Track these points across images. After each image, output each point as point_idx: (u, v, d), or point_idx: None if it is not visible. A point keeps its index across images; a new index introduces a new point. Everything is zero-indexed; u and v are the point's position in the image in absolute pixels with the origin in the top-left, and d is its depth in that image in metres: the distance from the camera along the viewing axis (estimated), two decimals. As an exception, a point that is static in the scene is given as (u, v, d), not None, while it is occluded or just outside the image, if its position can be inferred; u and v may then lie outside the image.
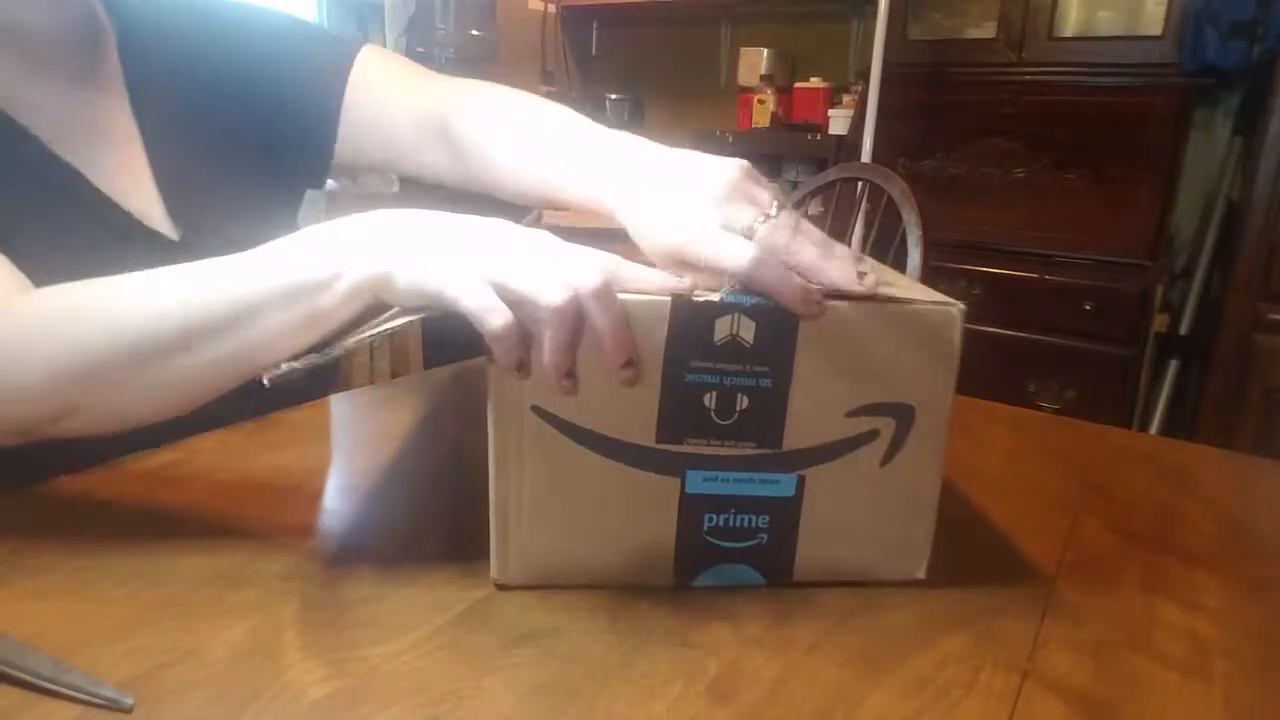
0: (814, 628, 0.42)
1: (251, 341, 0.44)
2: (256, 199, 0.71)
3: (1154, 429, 2.13)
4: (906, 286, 0.45)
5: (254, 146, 0.71)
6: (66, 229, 0.59)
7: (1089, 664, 0.40)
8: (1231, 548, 0.55)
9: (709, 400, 0.41)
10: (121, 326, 0.45)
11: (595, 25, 3.34)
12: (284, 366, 0.41)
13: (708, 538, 0.44)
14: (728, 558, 0.44)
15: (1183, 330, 2.15)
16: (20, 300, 0.48)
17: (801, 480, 0.43)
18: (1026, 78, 2.21)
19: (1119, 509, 0.59)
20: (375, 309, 0.44)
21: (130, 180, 0.64)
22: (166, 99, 0.68)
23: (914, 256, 1.43)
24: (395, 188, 2.32)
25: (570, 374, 0.40)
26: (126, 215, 0.62)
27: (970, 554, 0.50)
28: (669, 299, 0.39)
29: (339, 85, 0.69)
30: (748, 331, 0.40)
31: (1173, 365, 2.17)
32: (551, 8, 3.17)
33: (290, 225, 0.77)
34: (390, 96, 0.69)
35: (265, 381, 0.41)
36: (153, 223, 0.63)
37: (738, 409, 0.41)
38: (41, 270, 0.50)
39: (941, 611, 0.44)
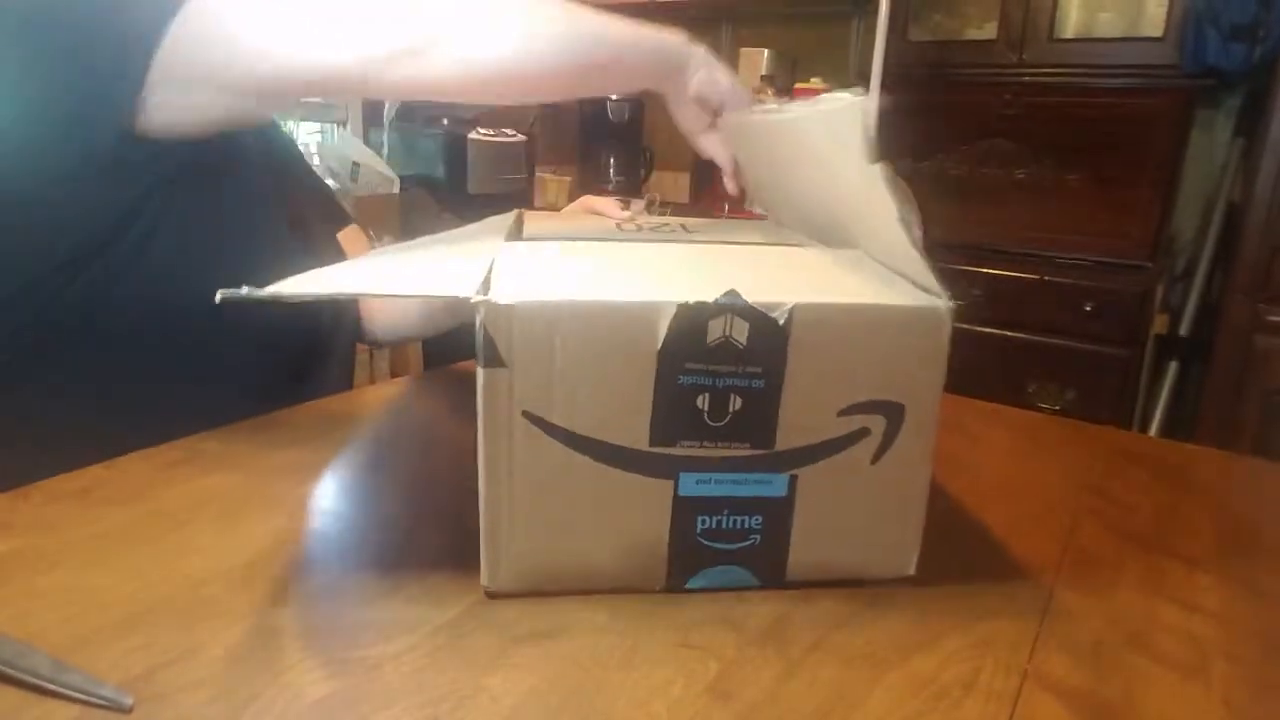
0: (814, 628, 0.42)
1: (593, 58, 0.61)
2: None
3: (1154, 430, 2.13)
4: (903, 256, 0.45)
5: None
6: None
7: (1089, 664, 0.40)
8: (1231, 548, 0.55)
9: (702, 402, 0.41)
10: None
11: (596, 26, 3.33)
12: (244, 290, 0.38)
13: (701, 540, 0.43)
14: (721, 559, 0.44)
15: (1183, 331, 2.15)
16: None
17: (794, 480, 0.43)
18: (1027, 79, 2.20)
19: (1118, 510, 0.59)
20: None
21: None
22: None
23: (914, 257, 1.43)
24: (396, 188, 2.32)
25: None
26: None
27: (970, 555, 0.50)
28: (674, 303, 0.39)
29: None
30: (740, 333, 0.40)
31: (1173, 366, 2.16)
32: (552, 8, 3.16)
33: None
34: None
35: (216, 299, 0.38)
36: None
37: (731, 410, 0.41)
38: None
39: (941, 612, 0.44)
